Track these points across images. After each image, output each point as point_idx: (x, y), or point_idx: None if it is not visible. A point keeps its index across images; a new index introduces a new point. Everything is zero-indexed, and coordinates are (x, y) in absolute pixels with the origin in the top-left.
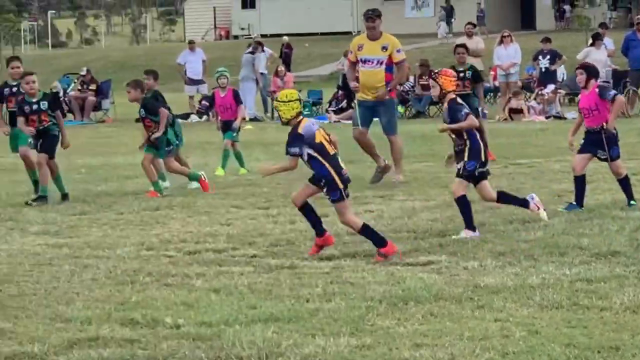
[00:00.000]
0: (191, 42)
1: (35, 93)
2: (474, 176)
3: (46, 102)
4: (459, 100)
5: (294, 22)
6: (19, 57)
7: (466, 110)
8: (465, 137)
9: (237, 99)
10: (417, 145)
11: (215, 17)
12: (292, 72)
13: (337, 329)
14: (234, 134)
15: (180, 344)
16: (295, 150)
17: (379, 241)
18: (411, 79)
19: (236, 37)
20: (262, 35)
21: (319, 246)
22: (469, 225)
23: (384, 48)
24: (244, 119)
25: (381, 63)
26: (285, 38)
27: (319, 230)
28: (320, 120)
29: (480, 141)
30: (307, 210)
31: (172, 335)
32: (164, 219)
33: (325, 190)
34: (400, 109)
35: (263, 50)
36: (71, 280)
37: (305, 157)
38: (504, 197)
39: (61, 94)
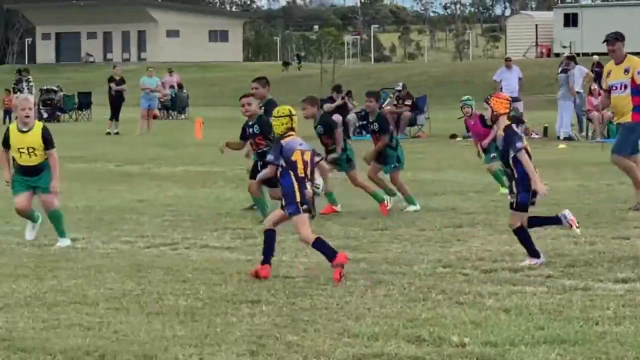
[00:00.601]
0: (507, 59)
1: (250, 115)
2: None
3: (258, 126)
4: (516, 129)
5: None
6: (262, 78)
7: (521, 144)
8: (512, 165)
9: (485, 123)
10: None
11: (537, 35)
12: None
13: (622, 354)
14: (493, 153)
15: None
16: (271, 157)
17: (330, 254)
18: None
19: (557, 54)
20: (584, 54)
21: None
22: (532, 253)
23: (626, 71)
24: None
25: (625, 87)
26: (595, 57)
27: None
28: None
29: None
30: (269, 235)
31: (456, 354)
32: (464, 236)
33: (284, 203)
34: None
35: (576, 63)
36: (364, 295)
37: (280, 168)
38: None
39: None
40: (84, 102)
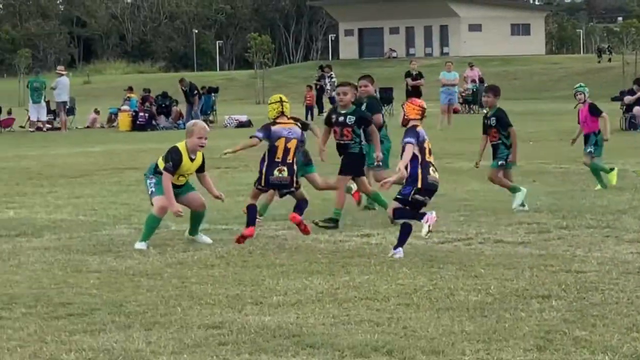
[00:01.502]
0: None
1: (345, 105)
2: (409, 202)
3: (353, 118)
4: (418, 129)
5: None
6: (368, 76)
7: (408, 139)
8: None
9: (592, 112)
10: None
11: None
12: None
13: None
14: (589, 148)
15: None
16: (259, 134)
17: (248, 222)
18: None
19: None
20: None
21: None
22: (400, 244)
23: None
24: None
25: None
26: None
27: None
28: None
29: (419, 170)
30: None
31: None
32: None
33: None
34: None
35: None
36: None
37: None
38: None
39: None
40: (386, 97)
